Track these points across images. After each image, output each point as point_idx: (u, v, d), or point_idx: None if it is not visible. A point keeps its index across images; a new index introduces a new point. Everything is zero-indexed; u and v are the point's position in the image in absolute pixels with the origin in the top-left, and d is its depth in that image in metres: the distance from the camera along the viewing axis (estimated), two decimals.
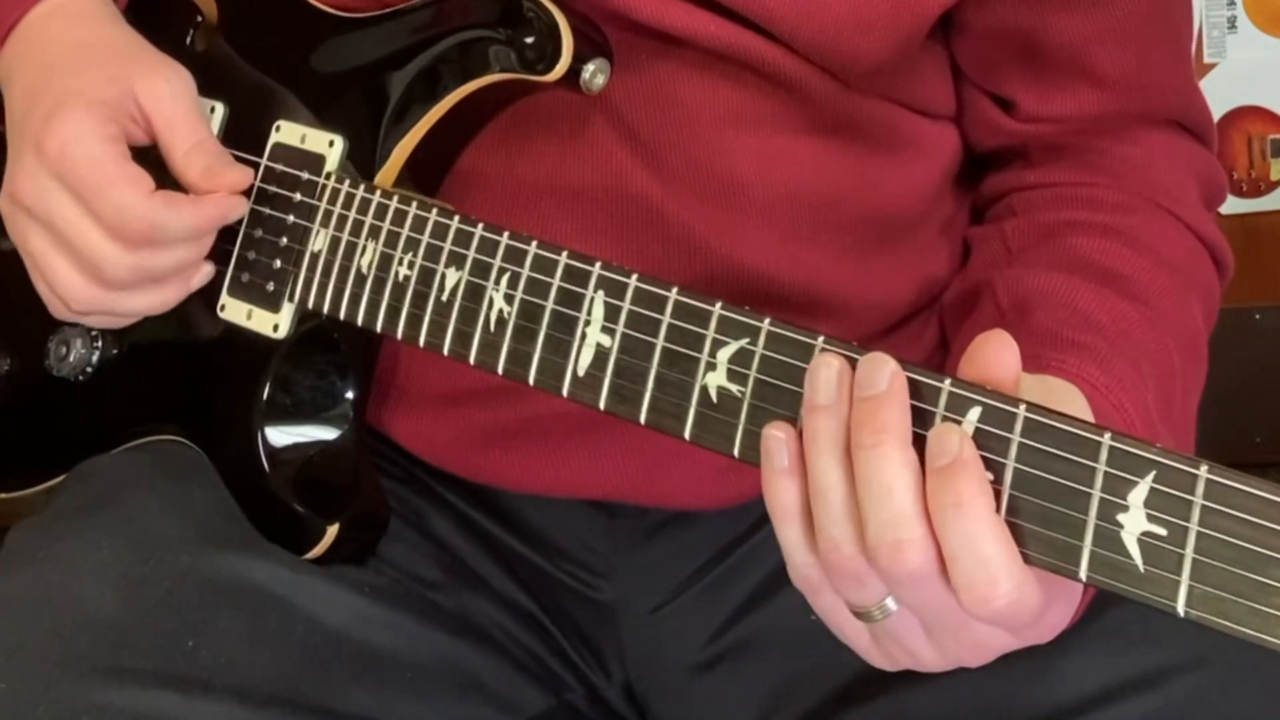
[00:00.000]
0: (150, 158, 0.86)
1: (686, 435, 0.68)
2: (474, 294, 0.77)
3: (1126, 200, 0.91)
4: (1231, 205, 1.98)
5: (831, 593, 0.65)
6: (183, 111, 0.86)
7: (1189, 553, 0.56)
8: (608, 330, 0.71)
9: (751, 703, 0.93)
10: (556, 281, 0.74)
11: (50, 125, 0.82)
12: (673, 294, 0.69)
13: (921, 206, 0.95)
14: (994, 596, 0.58)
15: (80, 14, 0.90)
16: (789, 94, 0.87)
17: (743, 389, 0.66)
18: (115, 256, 0.83)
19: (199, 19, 0.95)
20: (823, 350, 0.64)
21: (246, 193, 0.87)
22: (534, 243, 0.75)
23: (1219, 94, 1.94)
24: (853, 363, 0.63)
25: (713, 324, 0.68)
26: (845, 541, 0.61)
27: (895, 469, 0.60)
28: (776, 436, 0.63)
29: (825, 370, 0.63)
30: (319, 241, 0.85)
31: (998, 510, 0.60)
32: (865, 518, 0.60)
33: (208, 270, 0.88)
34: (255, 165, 0.88)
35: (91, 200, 0.82)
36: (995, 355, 0.63)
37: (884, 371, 0.61)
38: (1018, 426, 0.59)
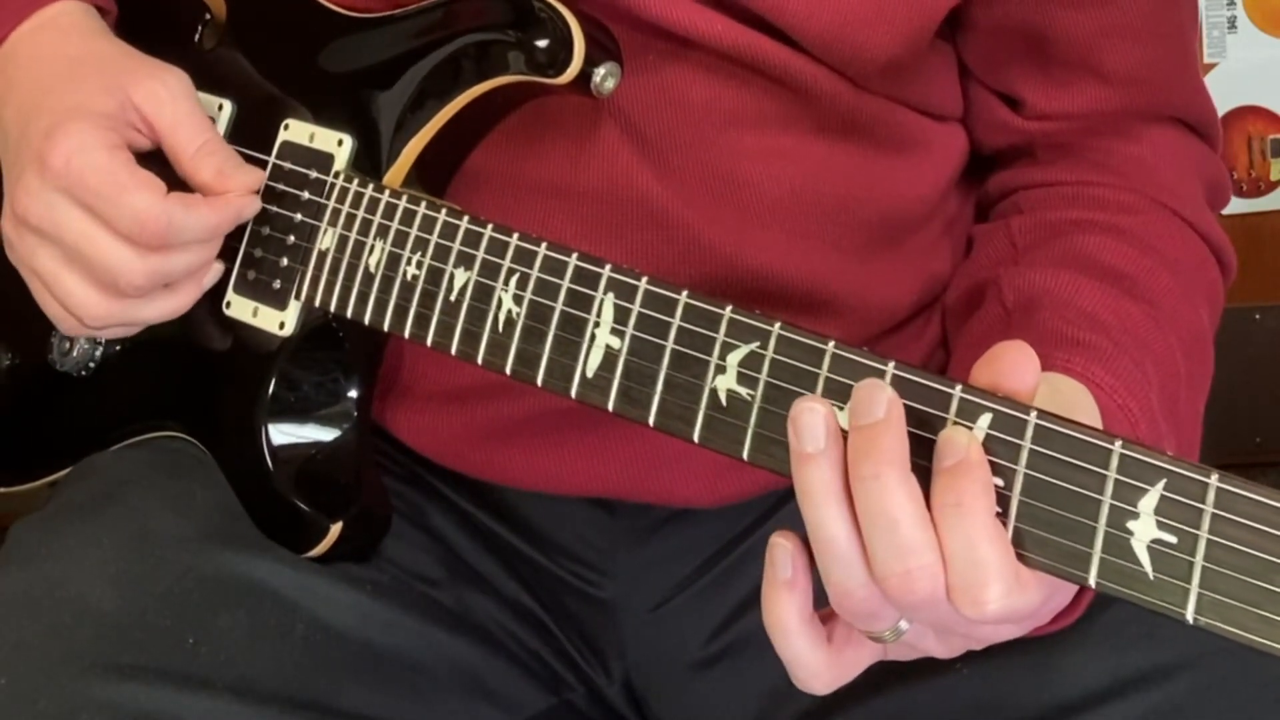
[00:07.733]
0: (152, 165, 0.85)
1: (695, 438, 0.68)
2: (482, 294, 0.77)
3: (1132, 200, 0.91)
4: (1231, 205, 1.96)
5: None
6: (184, 113, 0.86)
7: (1199, 560, 0.56)
8: (617, 332, 0.71)
9: (751, 701, 0.93)
10: (566, 283, 0.74)
11: (52, 140, 0.82)
12: (683, 297, 0.69)
13: (927, 207, 0.95)
14: (985, 600, 0.58)
15: (69, 29, 0.89)
16: (795, 95, 0.87)
17: (752, 392, 0.66)
18: (130, 262, 0.82)
19: (207, 17, 0.94)
20: (802, 398, 0.63)
21: (257, 190, 0.87)
22: (543, 244, 0.75)
23: (1219, 94, 1.92)
24: (851, 370, 0.63)
25: (723, 327, 0.68)
26: (856, 585, 0.61)
27: (899, 500, 0.59)
28: (783, 546, 0.62)
29: (809, 415, 0.61)
30: (327, 240, 0.84)
31: (1007, 515, 0.60)
32: (872, 549, 0.59)
33: (217, 268, 0.88)
34: (264, 163, 0.88)
35: (105, 209, 0.82)
36: (1014, 366, 0.62)
37: (881, 399, 0.60)
38: (1029, 433, 0.59)
